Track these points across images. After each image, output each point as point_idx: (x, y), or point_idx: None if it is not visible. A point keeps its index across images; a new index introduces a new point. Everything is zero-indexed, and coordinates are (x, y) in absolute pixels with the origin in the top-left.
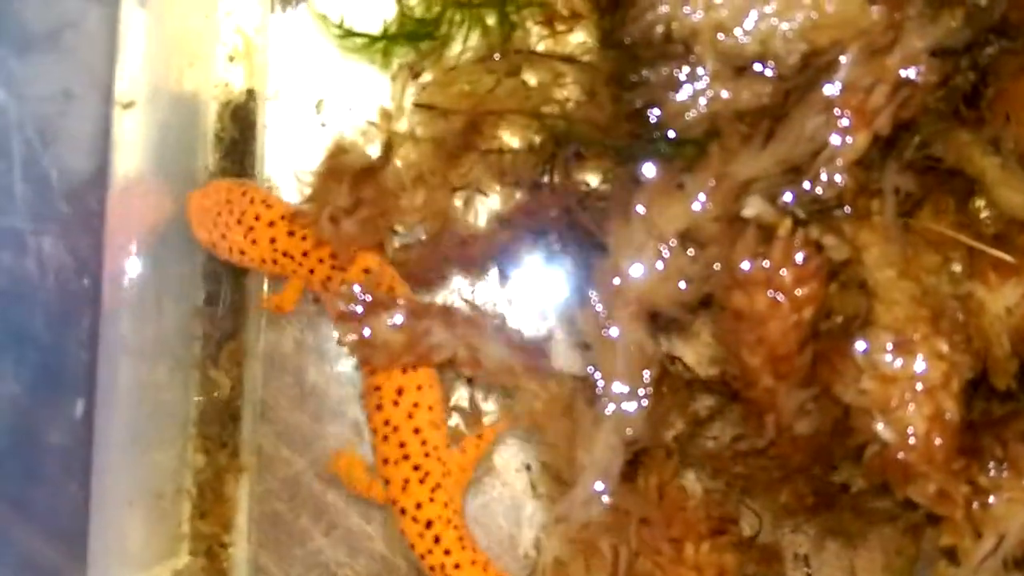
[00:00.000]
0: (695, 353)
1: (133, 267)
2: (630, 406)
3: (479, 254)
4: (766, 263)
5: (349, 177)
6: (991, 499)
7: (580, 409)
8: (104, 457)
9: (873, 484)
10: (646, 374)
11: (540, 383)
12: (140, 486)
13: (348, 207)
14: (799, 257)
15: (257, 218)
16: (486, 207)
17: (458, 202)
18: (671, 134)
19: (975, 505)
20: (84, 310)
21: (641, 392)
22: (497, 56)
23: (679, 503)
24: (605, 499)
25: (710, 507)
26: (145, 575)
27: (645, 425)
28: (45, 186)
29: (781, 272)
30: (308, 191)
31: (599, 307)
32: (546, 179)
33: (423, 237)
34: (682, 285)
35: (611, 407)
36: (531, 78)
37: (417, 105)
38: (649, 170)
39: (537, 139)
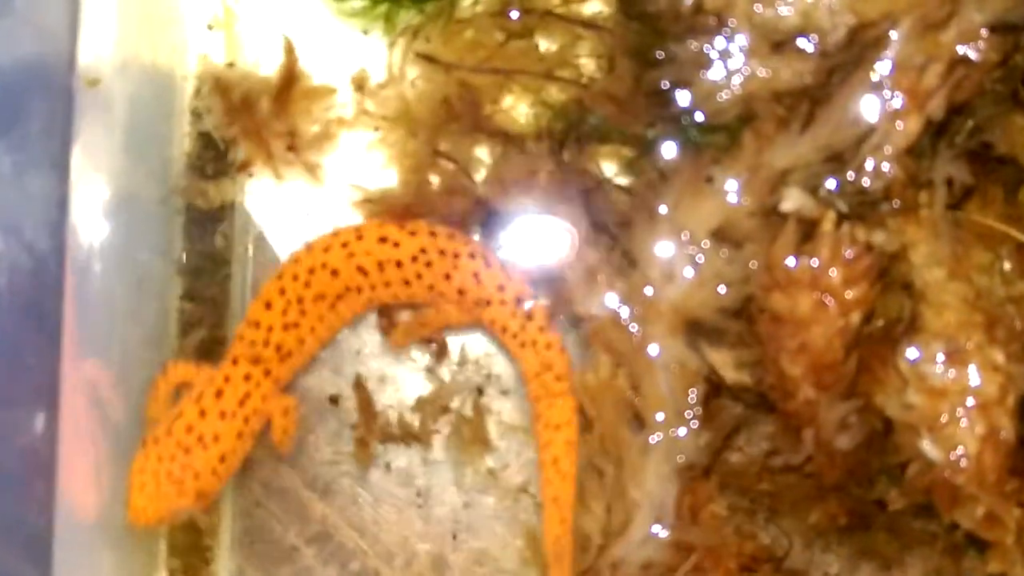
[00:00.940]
0: (731, 368)
1: (97, 262)
2: (679, 431)
3: (466, 210)
4: (814, 261)
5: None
6: None
7: (625, 438)
8: (69, 477)
9: (913, 504)
10: (692, 393)
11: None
12: (110, 504)
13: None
14: (848, 254)
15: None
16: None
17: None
18: (700, 118)
19: None
20: (43, 314)
21: (689, 414)
22: (512, 13)
23: (712, 530)
24: (663, 535)
25: (743, 539)
26: None
27: (698, 448)
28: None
29: (830, 272)
30: None
31: (632, 325)
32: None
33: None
34: (721, 290)
35: (658, 435)
36: (545, 42)
37: (419, 56)
38: (674, 158)
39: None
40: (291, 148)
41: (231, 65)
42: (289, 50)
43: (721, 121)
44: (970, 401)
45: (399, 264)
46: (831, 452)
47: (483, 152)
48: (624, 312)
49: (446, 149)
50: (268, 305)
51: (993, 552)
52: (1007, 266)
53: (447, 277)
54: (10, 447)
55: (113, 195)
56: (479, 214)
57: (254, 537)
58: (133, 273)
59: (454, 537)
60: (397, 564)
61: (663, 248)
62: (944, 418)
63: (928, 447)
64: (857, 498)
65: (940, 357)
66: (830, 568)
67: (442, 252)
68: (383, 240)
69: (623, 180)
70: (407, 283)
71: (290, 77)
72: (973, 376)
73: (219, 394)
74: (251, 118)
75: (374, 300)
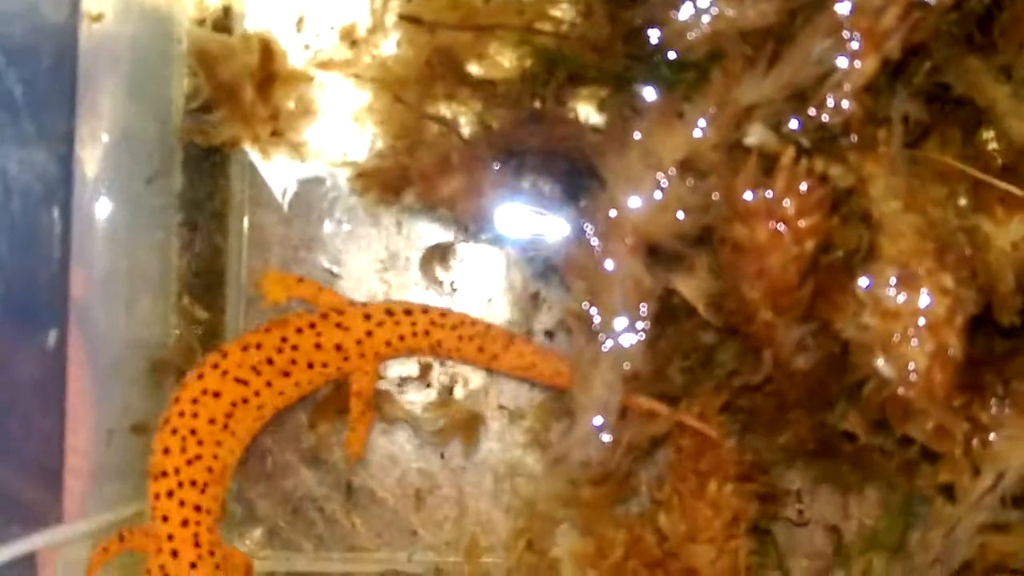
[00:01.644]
0: (692, 288)
1: (103, 196)
2: (628, 340)
3: (459, 171)
4: (768, 193)
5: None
6: (991, 436)
7: (578, 347)
8: (79, 391)
9: (870, 421)
10: (643, 307)
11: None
12: (116, 421)
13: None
14: (803, 187)
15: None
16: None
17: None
18: (671, 56)
19: (975, 442)
20: (53, 237)
21: (639, 326)
22: None
23: (715, 440)
24: (605, 437)
25: (744, 452)
26: (122, 511)
27: (644, 360)
28: (9, 105)
29: (784, 203)
30: None
31: (595, 240)
32: (537, 106)
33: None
34: (681, 216)
35: (609, 343)
36: None
37: (401, 17)
38: (648, 94)
39: (528, 63)
40: (275, 133)
41: (227, 9)
42: (265, 47)
43: (691, 59)
44: (921, 322)
45: (270, 361)
46: (790, 372)
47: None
48: (589, 229)
49: (432, 111)
50: (166, 449)
51: (943, 463)
52: (963, 201)
53: (317, 347)
54: (20, 378)
55: (116, 129)
56: (469, 176)
57: (250, 455)
58: (135, 204)
59: (442, 456)
60: (389, 482)
61: (632, 173)
62: (897, 338)
63: (882, 365)
64: (822, 424)
65: (893, 282)
66: (792, 485)
67: (299, 330)
68: (246, 348)
69: (599, 120)
70: (286, 374)
71: (270, 71)
72: (924, 299)
73: (175, 554)
74: (236, 104)
75: (263, 406)
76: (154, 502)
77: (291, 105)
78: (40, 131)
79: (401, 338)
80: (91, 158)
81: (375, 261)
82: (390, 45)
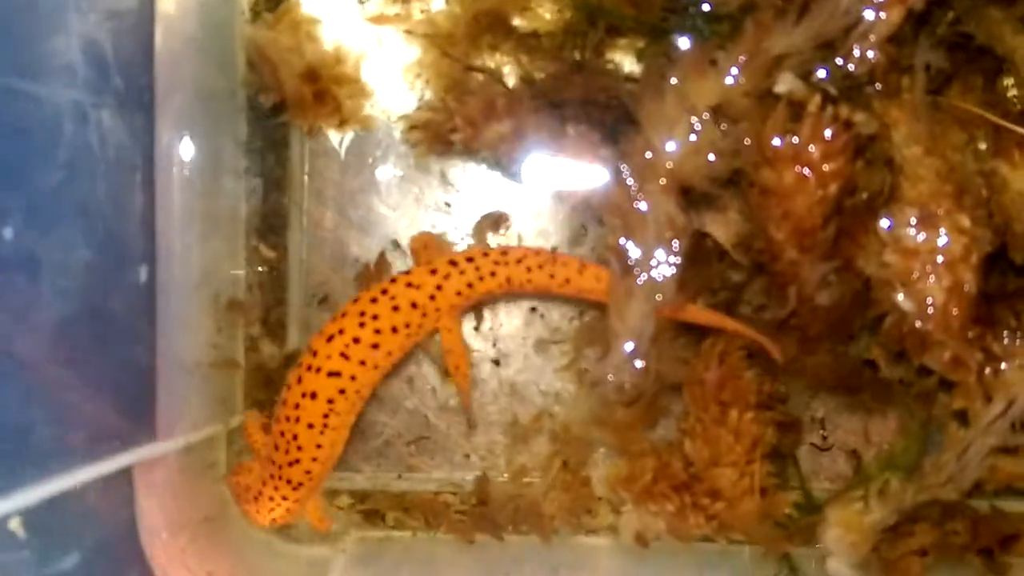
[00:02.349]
0: (721, 229)
1: (180, 142)
2: (661, 274)
3: (503, 117)
4: (795, 139)
5: None
6: (1003, 366)
7: (614, 280)
8: (165, 323)
9: (890, 353)
10: (676, 244)
11: None
12: (198, 352)
13: None
14: (827, 133)
15: None
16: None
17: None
18: (706, 8)
19: (987, 371)
20: (140, 182)
21: (671, 260)
22: None
23: (736, 371)
24: (637, 363)
25: (763, 382)
26: (204, 435)
27: (675, 294)
28: (100, 58)
29: (809, 148)
30: None
31: (630, 180)
32: (577, 56)
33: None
34: (712, 159)
35: (643, 276)
36: None
37: None
38: (683, 43)
39: (568, 15)
40: (342, 123)
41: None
42: (313, 41)
43: (725, 11)
44: (939, 259)
45: (356, 340)
46: (814, 307)
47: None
48: (625, 171)
49: (478, 63)
50: (276, 447)
51: (958, 391)
52: (982, 146)
53: (395, 309)
54: (117, 310)
55: (190, 84)
56: (513, 121)
57: None
58: (206, 151)
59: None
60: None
61: (666, 116)
62: (916, 274)
63: (902, 300)
64: (844, 357)
65: (913, 222)
66: (816, 413)
67: (373, 300)
68: (330, 339)
69: (636, 70)
70: (375, 346)
71: (324, 72)
72: (942, 238)
73: (258, 512)
74: (300, 108)
75: (360, 388)
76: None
77: (348, 102)
78: (127, 83)
79: (470, 285)
80: (168, 107)
81: (425, 206)
82: (439, 0)
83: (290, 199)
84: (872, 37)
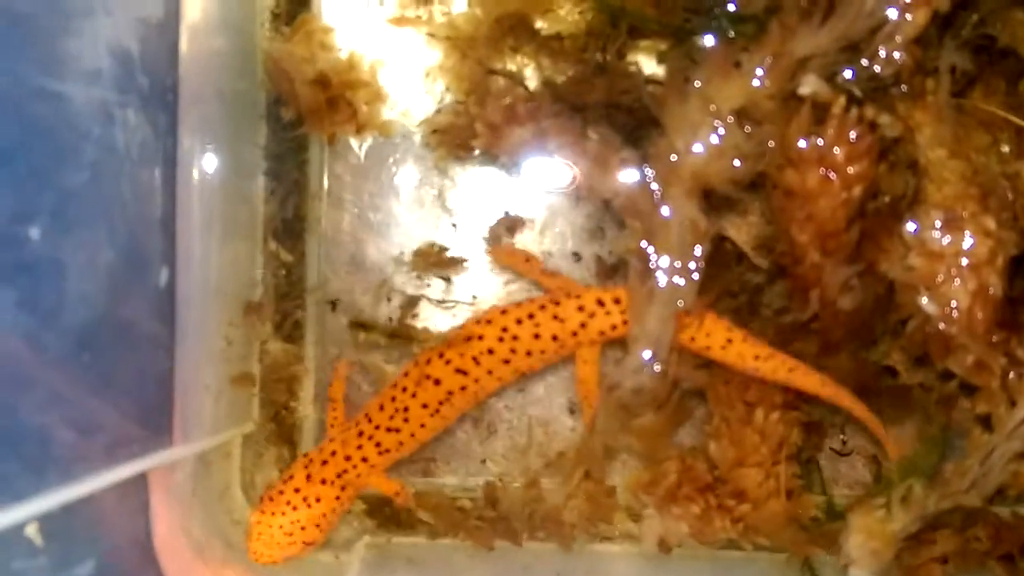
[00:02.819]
0: (742, 233)
1: (203, 146)
2: (682, 280)
3: (525, 121)
4: (820, 141)
5: None
6: None
7: (634, 284)
8: (184, 327)
9: (911, 357)
10: (698, 249)
11: None
12: (216, 355)
13: None
14: (852, 135)
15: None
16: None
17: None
18: (730, 8)
19: (1011, 376)
20: (162, 184)
21: (692, 266)
22: None
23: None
24: (656, 367)
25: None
26: (220, 440)
27: (696, 299)
28: (126, 60)
29: (834, 150)
30: None
31: (654, 184)
32: (599, 59)
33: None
34: (736, 163)
35: (664, 281)
36: None
37: None
38: (708, 44)
39: (591, 17)
40: (359, 130)
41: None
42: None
43: (750, 12)
44: (964, 262)
45: (491, 351)
46: (835, 312)
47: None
48: (649, 174)
49: (499, 67)
50: (381, 407)
51: (980, 395)
52: (1005, 148)
53: (536, 337)
54: (138, 312)
55: (212, 87)
56: (534, 125)
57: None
58: (226, 154)
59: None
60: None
61: (690, 120)
62: (940, 277)
63: (926, 303)
64: (864, 363)
65: (938, 224)
66: (836, 418)
67: (519, 321)
68: (468, 339)
69: (658, 73)
70: (506, 361)
71: (338, 80)
72: (967, 240)
73: (324, 463)
74: (316, 119)
75: (480, 392)
76: (350, 424)
77: (364, 108)
78: (152, 85)
79: (614, 327)
80: (192, 112)
81: (445, 210)
82: (460, 3)
83: (309, 203)
84: (898, 38)
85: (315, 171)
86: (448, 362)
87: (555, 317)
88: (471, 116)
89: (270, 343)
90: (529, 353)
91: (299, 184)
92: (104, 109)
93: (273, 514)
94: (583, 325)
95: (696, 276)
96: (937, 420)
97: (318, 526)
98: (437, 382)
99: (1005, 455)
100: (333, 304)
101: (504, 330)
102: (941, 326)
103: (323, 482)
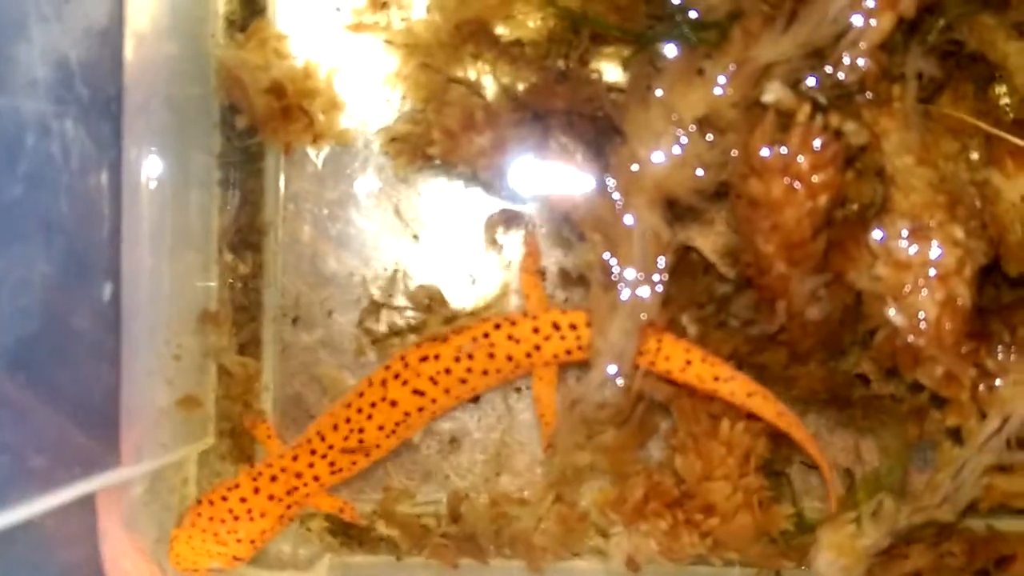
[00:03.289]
0: (709, 243)
1: (150, 155)
2: (645, 292)
3: (484, 129)
4: (783, 150)
5: None
6: (997, 382)
7: (596, 297)
8: (132, 342)
9: (881, 368)
10: (661, 260)
11: None
12: (167, 370)
13: None
14: (816, 143)
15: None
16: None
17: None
18: (693, 15)
19: (981, 387)
20: (106, 195)
21: (656, 278)
22: None
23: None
24: (619, 381)
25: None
26: (172, 458)
27: (660, 311)
28: (65, 69)
29: (798, 159)
30: None
31: (616, 194)
32: (561, 65)
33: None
34: (699, 172)
35: (627, 293)
36: None
37: None
38: (670, 51)
39: (552, 23)
40: (316, 139)
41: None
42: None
43: (712, 18)
44: (932, 272)
45: (448, 371)
46: (803, 322)
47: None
48: (610, 184)
49: (459, 74)
50: (335, 427)
51: (951, 408)
52: (974, 155)
53: (491, 356)
54: (80, 328)
55: (161, 94)
56: (493, 134)
57: (291, 403)
58: (177, 163)
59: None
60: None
61: (652, 128)
62: (908, 288)
63: (894, 314)
64: (833, 374)
65: (905, 233)
66: (808, 428)
67: (474, 340)
68: (424, 359)
69: (621, 80)
70: (463, 381)
71: (292, 88)
72: (935, 250)
73: (273, 479)
74: (271, 127)
75: (437, 411)
76: (301, 440)
77: (321, 116)
78: (93, 94)
79: (568, 352)
80: (138, 120)
81: (404, 220)
82: (419, 8)
83: (265, 213)
84: (862, 44)
85: (271, 180)
86: (404, 383)
87: (510, 337)
88: (429, 124)
89: (226, 358)
90: (485, 372)
91: (255, 194)
92: (40, 120)
93: (211, 519)
94: (537, 348)
95: (660, 288)
96: (908, 433)
97: (253, 542)
98: (394, 404)
99: (976, 468)
100: (294, 319)
101: (459, 349)
102: (910, 337)
103: (270, 497)
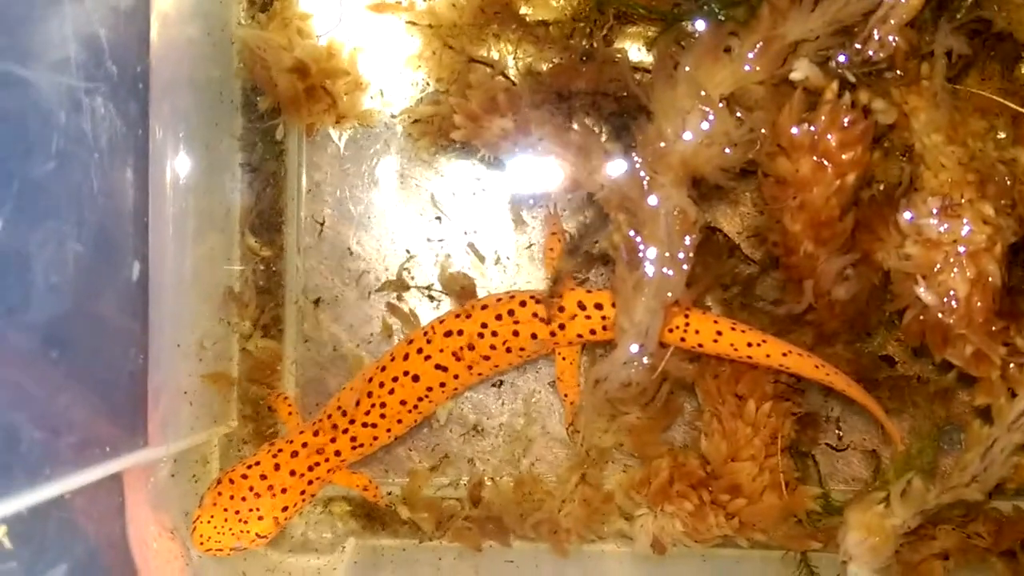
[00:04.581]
0: (736, 224)
1: (175, 137)
2: (671, 270)
3: (506, 111)
4: (812, 127)
5: None
6: None
7: (621, 274)
8: (158, 323)
9: (909, 348)
10: (687, 239)
11: None
12: (191, 352)
13: None
14: (845, 121)
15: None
16: (518, 71)
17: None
18: None
19: (1011, 366)
20: (133, 175)
21: (681, 256)
22: None
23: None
24: (644, 360)
25: (780, 375)
26: (197, 440)
27: (685, 290)
28: (95, 46)
29: (827, 136)
30: None
31: (643, 172)
32: (585, 45)
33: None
34: (727, 150)
35: (652, 271)
36: None
37: None
38: (698, 27)
39: (576, 2)
40: (339, 120)
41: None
42: (304, 70)
43: None
44: (961, 250)
45: (471, 347)
46: (830, 302)
47: (520, 54)
48: (637, 161)
49: (482, 55)
50: (358, 402)
51: (980, 387)
52: (1002, 135)
53: (515, 334)
54: (108, 308)
55: (185, 75)
56: (516, 116)
57: (313, 387)
58: (201, 145)
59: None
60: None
61: (680, 106)
62: (938, 266)
63: (923, 292)
64: (860, 353)
65: (935, 211)
66: (831, 412)
67: (498, 317)
68: (448, 334)
69: (646, 60)
70: (486, 357)
71: (316, 68)
72: (965, 228)
73: (294, 454)
74: (294, 108)
75: (459, 387)
76: (322, 416)
77: (344, 97)
78: (122, 72)
79: (592, 332)
80: (163, 102)
81: (427, 203)
82: None
83: (287, 195)
84: (892, 21)
85: (293, 162)
86: (427, 358)
87: (535, 315)
88: (452, 106)
89: (249, 341)
90: (509, 350)
91: (277, 176)
92: (71, 96)
93: (232, 498)
94: (562, 327)
95: (685, 267)
96: (935, 414)
97: (276, 519)
98: (416, 378)
99: (1006, 448)
100: (316, 301)
101: (484, 326)
102: (939, 316)
103: (292, 473)
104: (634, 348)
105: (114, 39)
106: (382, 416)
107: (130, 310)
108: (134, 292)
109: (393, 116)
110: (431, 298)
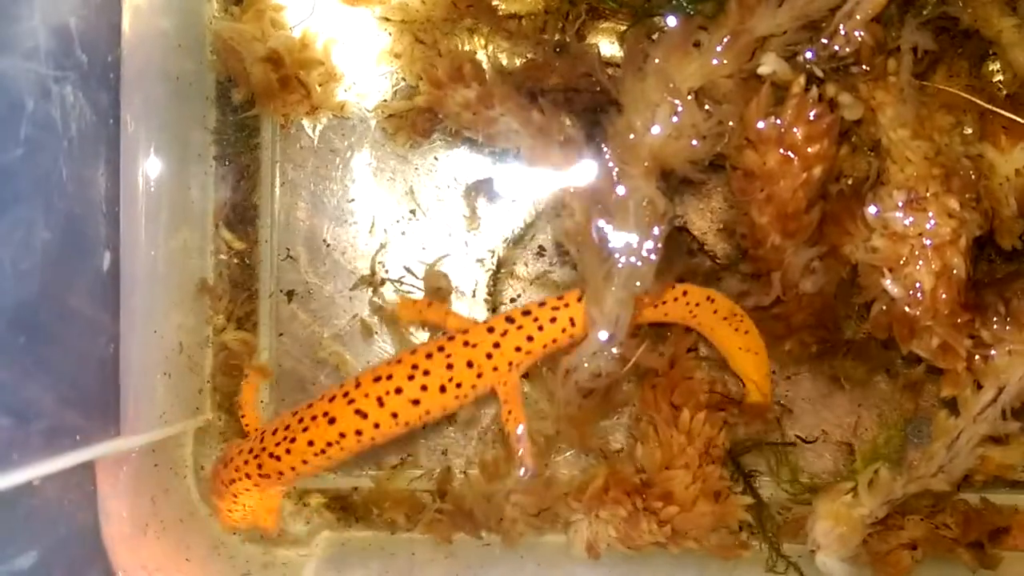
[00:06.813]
0: (707, 220)
1: (147, 128)
2: (640, 260)
3: (481, 103)
4: (779, 121)
5: None
6: (992, 352)
7: (591, 265)
8: (130, 315)
9: (877, 340)
10: (656, 230)
11: None
12: (164, 344)
13: None
14: (811, 115)
15: None
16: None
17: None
18: None
19: (976, 358)
20: (104, 166)
21: (650, 246)
22: None
23: (687, 372)
24: (614, 350)
25: (715, 385)
26: (170, 432)
27: (654, 281)
28: (65, 34)
29: (793, 130)
30: None
31: (611, 164)
32: (558, 39)
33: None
34: (695, 143)
35: (622, 261)
36: None
37: None
38: (669, 22)
39: None
40: (312, 110)
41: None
42: (278, 61)
43: None
44: (927, 243)
45: (399, 391)
46: (798, 295)
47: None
48: (606, 153)
49: (452, 48)
50: (275, 430)
51: (946, 378)
52: (968, 130)
53: (448, 367)
54: (79, 298)
55: (156, 66)
56: (480, 87)
57: (289, 380)
58: (173, 137)
59: None
60: None
61: (649, 98)
62: (904, 259)
63: (890, 285)
64: (825, 340)
65: (901, 205)
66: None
67: (428, 355)
68: (377, 379)
69: (618, 54)
70: (416, 402)
71: (289, 58)
72: (930, 221)
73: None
74: (268, 97)
75: (376, 437)
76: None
77: (318, 88)
78: (92, 62)
79: (530, 338)
80: (135, 93)
81: (401, 195)
82: None
83: (261, 188)
84: (858, 17)
85: (267, 155)
86: (350, 402)
87: (465, 344)
88: (425, 102)
89: (223, 333)
90: (443, 389)
91: (250, 169)
92: (40, 84)
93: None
94: (496, 345)
95: (654, 257)
96: (899, 405)
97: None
98: (332, 421)
99: (972, 439)
100: (289, 294)
101: (414, 367)
102: (905, 308)
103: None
104: (603, 337)
105: (84, 28)
106: (288, 452)
107: (100, 300)
108: (105, 282)
109: (368, 111)
110: (405, 293)
